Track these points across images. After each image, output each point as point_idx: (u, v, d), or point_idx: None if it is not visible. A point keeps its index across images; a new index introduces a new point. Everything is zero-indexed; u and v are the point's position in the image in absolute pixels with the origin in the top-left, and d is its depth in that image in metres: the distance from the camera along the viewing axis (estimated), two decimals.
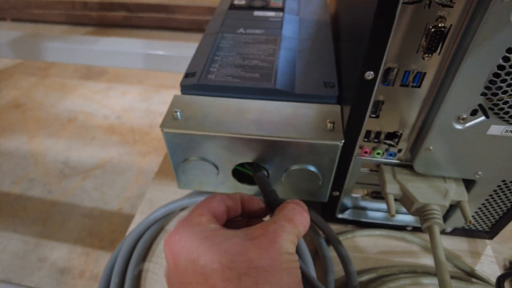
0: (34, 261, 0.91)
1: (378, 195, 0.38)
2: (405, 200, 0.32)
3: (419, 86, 0.27)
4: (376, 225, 0.40)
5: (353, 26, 0.33)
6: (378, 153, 0.33)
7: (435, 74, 0.26)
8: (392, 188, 0.32)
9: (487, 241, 0.39)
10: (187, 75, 0.37)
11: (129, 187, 1.10)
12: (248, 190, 0.37)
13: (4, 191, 1.02)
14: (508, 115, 0.26)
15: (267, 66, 0.37)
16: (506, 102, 0.25)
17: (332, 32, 0.46)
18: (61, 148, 1.20)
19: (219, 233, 0.21)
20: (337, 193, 0.37)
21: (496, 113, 0.26)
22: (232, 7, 0.51)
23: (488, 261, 0.38)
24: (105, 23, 2.11)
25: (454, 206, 0.34)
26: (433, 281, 0.35)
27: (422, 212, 0.31)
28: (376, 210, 0.40)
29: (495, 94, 0.25)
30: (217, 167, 0.34)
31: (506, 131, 0.27)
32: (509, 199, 0.34)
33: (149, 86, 1.49)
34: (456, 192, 0.32)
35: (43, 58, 1.20)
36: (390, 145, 0.32)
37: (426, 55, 0.25)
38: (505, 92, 0.25)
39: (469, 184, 0.33)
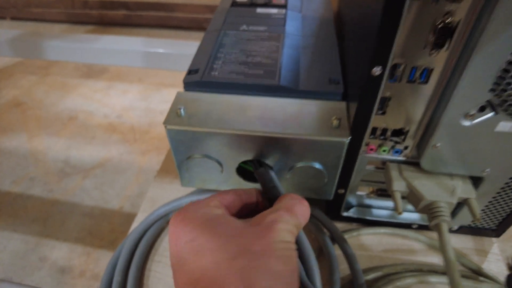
0: (34, 260, 0.90)
1: (384, 193, 0.38)
2: (412, 197, 0.32)
3: (426, 82, 0.27)
4: (381, 223, 0.40)
5: (359, 22, 0.33)
6: (384, 150, 0.32)
7: (442, 70, 0.26)
8: (399, 186, 0.32)
9: (494, 239, 0.39)
10: (190, 72, 0.36)
11: (130, 186, 1.09)
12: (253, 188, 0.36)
13: (4, 190, 1.02)
14: None
15: (271, 63, 0.37)
16: None
17: (335, 29, 0.45)
18: (62, 147, 1.20)
19: (220, 218, 0.22)
20: (343, 191, 0.36)
21: (505, 110, 0.26)
22: (234, 4, 0.50)
23: (495, 259, 0.37)
24: (105, 21, 2.10)
25: (460, 204, 0.34)
26: (440, 279, 0.34)
27: (429, 210, 0.30)
28: (381, 208, 0.40)
29: (504, 90, 0.25)
30: (221, 165, 0.34)
31: None
32: None
33: (149, 85, 1.49)
34: (464, 189, 0.31)
35: (42, 56, 1.20)
36: (396, 142, 0.32)
37: (433, 51, 0.25)
38: None
39: (476, 181, 0.32)
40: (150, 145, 1.25)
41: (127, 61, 1.13)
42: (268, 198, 0.27)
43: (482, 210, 0.36)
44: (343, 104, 0.33)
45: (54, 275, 0.86)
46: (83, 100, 1.46)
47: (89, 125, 1.35)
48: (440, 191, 0.31)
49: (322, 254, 0.37)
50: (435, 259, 0.38)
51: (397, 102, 0.29)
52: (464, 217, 0.37)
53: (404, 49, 0.25)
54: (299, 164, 0.33)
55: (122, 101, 1.48)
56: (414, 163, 0.33)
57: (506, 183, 0.32)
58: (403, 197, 0.33)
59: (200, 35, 0.45)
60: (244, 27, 0.44)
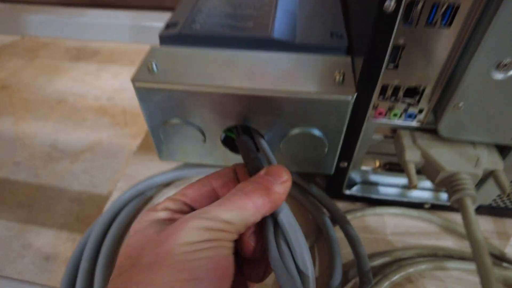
0: (17, 248, 0.85)
1: (392, 167, 0.33)
2: (428, 169, 0.27)
3: (449, 25, 0.22)
4: (389, 202, 0.35)
5: None
6: (395, 114, 0.27)
7: (470, 7, 0.21)
8: (412, 155, 0.27)
9: None
10: (167, 26, 0.31)
11: (120, 170, 1.04)
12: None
13: None
14: None
15: (263, 15, 0.32)
16: None
17: None
18: (49, 131, 1.15)
19: (147, 226, 0.19)
20: (345, 164, 0.31)
21: None
22: None
23: None
24: (98, 2, 2.03)
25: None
26: (458, 265, 0.30)
27: (450, 183, 0.26)
28: (389, 186, 0.35)
29: None
30: (203, 133, 0.29)
31: None
32: None
33: None
34: (489, 159, 0.26)
35: (23, 31, 1.15)
36: (409, 104, 0.27)
37: None
38: None
39: (502, 151, 0.28)
40: (141, 129, 1.20)
41: (117, 36, 1.07)
42: (249, 173, 0.22)
43: None
44: (347, 59, 0.28)
45: (38, 263, 0.81)
46: (73, 83, 1.41)
47: (79, 108, 1.29)
48: (462, 161, 0.26)
49: (321, 237, 0.33)
50: (449, 243, 0.33)
51: (412, 52, 0.24)
52: (484, 195, 0.32)
53: None
54: (295, 131, 0.28)
55: (113, 83, 1.43)
56: (429, 130, 0.28)
57: None
58: (417, 172, 0.28)
59: None
60: None
